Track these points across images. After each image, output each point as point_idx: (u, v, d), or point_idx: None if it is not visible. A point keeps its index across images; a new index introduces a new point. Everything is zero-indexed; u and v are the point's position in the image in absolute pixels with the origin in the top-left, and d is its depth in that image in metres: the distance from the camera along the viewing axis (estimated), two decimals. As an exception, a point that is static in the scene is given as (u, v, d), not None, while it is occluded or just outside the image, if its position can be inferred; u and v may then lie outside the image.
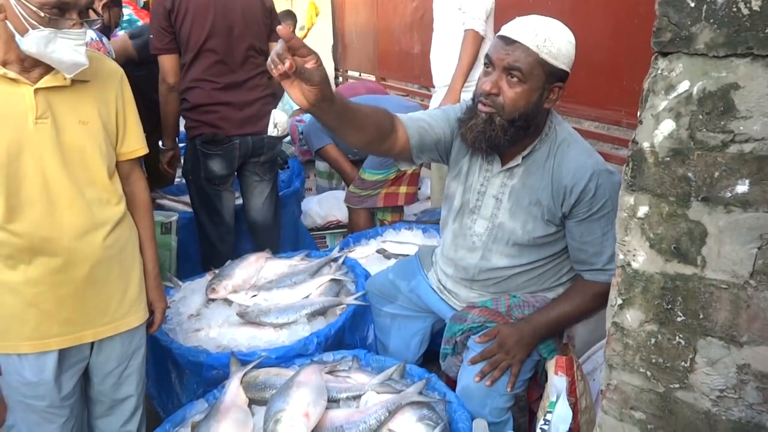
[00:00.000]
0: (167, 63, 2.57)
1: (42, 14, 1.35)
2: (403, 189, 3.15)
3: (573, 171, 1.59)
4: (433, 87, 3.17)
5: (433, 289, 1.99)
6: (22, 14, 1.34)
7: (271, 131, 2.70)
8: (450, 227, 1.86)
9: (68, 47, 1.40)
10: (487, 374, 1.69)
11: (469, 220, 1.77)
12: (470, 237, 1.78)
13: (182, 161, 2.84)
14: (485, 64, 1.59)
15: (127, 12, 3.68)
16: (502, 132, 1.55)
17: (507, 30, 1.54)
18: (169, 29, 2.52)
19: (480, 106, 1.58)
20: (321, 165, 4.15)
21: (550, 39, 1.50)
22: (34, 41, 1.36)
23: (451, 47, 2.87)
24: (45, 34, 1.36)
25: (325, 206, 3.66)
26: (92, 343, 1.64)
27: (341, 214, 3.57)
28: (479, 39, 2.77)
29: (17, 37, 1.37)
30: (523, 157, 1.66)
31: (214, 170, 2.66)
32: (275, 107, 2.80)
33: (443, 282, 1.95)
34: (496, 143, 1.58)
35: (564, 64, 1.54)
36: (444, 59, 2.94)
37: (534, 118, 1.57)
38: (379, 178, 3.08)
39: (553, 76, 1.53)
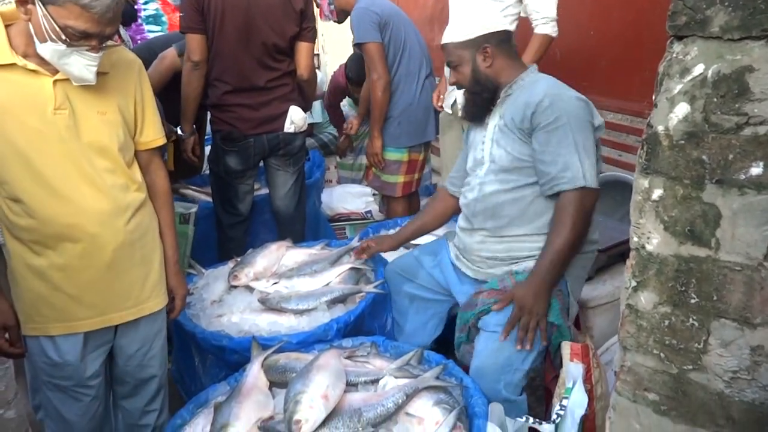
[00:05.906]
0: (193, 42, 2.52)
1: (63, 36, 1.38)
2: (416, 176, 3.23)
3: (536, 91, 1.84)
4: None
5: (451, 261, 2.11)
6: (45, 26, 1.37)
7: (288, 128, 2.70)
8: (466, 182, 2.08)
9: (80, 64, 1.44)
10: (524, 340, 1.75)
11: (479, 169, 2.00)
12: (476, 180, 2.00)
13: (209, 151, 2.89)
14: (447, 64, 2.01)
15: (154, 6, 3.69)
16: (472, 102, 1.99)
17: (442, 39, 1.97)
18: (200, 13, 2.49)
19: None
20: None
21: (456, 25, 1.94)
22: (49, 51, 1.41)
23: None
24: (61, 49, 1.40)
25: (335, 198, 3.71)
26: (116, 327, 1.70)
27: (353, 206, 3.63)
28: (549, 41, 2.56)
29: (36, 39, 1.41)
30: (505, 95, 1.94)
31: (230, 165, 2.70)
32: (303, 104, 2.77)
33: (458, 243, 2.08)
34: (474, 111, 2.01)
35: (475, 33, 1.89)
36: None
37: (483, 80, 1.93)
38: (397, 157, 3.11)
39: (473, 46, 1.90)
